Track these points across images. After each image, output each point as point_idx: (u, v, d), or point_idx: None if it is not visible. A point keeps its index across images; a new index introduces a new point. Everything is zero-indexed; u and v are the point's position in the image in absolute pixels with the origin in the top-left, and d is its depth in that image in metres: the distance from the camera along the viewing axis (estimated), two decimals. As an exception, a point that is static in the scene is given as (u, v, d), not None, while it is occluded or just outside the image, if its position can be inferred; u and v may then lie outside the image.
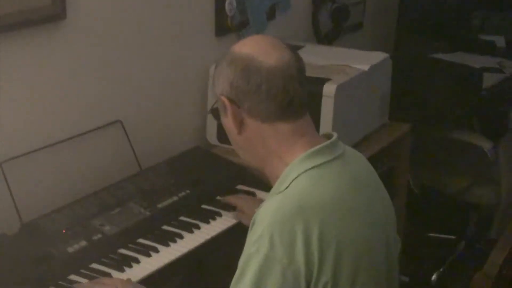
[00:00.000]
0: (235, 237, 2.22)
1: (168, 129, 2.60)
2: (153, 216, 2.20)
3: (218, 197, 2.37)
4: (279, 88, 1.62)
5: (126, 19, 2.37)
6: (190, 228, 2.19)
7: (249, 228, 1.65)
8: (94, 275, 1.94)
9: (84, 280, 1.91)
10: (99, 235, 2.06)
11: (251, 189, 2.45)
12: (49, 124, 2.19)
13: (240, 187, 2.46)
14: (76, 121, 2.26)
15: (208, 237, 2.17)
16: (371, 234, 1.64)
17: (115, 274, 1.95)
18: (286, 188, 1.59)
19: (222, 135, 2.60)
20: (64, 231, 2.03)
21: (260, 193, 2.43)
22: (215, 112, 1.76)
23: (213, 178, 2.46)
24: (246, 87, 1.62)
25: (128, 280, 1.88)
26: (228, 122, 1.69)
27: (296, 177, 1.59)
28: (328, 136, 1.70)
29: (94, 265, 1.99)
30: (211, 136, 2.68)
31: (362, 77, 2.66)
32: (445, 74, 3.17)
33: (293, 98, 1.64)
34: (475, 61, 3.45)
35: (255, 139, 1.67)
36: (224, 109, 1.68)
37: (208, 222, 2.24)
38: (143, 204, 2.22)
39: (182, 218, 2.25)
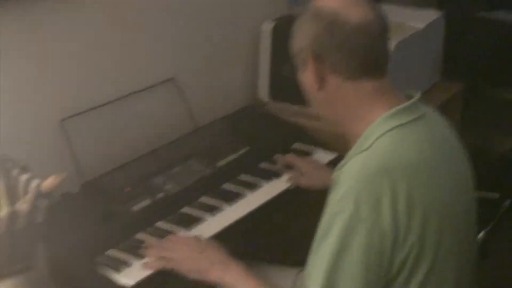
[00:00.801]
0: (294, 197, 2.21)
1: (220, 87, 2.56)
2: (213, 175, 2.17)
3: (276, 156, 2.33)
4: (363, 46, 1.58)
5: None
6: (252, 187, 2.16)
7: (331, 188, 1.62)
8: (161, 233, 1.92)
9: (151, 238, 1.89)
10: (163, 194, 2.03)
11: (308, 147, 2.41)
12: (107, 83, 2.16)
13: (296, 145, 2.43)
14: (132, 80, 2.22)
15: (270, 196, 2.14)
16: (455, 196, 1.61)
17: (182, 232, 1.93)
18: (369, 147, 1.56)
19: (274, 92, 2.59)
20: (127, 189, 2.00)
21: (317, 152, 2.40)
22: (290, 68, 1.73)
23: (270, 136, 2.43)
24: (330, 42, 1.58)
25: (200, 236, 1.88)
26: (307, 78, 1.65)
27: (379, 136, 1.56)
28: (409, 96, 1.66)
29: (160, 224, 1.97)
30: (263, 93, 2.63)
31: (418, 35, 2.62)
32: (495, 33, 3.11)
33: (377, 56, 1.61)
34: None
35: (335, 96, 1.63)
36: (304, 65, 1.64)
37: (268, 182, 2.21)
38: (203, 162, 2.19)
39: (242, 176, 2.22)
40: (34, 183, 1.56)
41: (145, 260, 1.79)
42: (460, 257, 1.63)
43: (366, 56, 1.59)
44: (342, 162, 1.61)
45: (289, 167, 2.26)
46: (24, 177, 1.59)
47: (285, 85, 2.59)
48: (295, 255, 2.38)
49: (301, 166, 2.24)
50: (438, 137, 1.64)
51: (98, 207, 1.92)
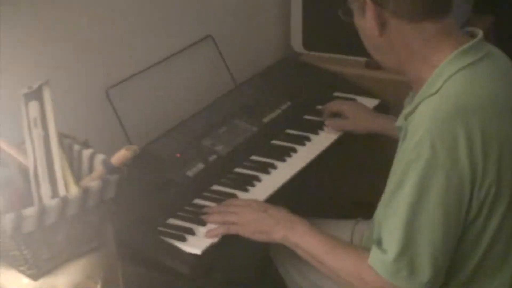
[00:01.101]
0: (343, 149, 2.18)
1: (253, 41, 2.52)
2: (260, 131, 2.15)
3: (318, 107, 2.30)
4: None
5: None
6: (301, 141, 2.13)
7: (401, 137, 1.61)
8: (218, 196, 1.89)
9: (209, 203, 1.87)
10: (214, 156, 2.01)
11: (349, 95, 2.38)
12: (147, 48, 2.11)
13: (337, 94, 2.39)
14: (170, 41, 2.17)
15: (322, 148, 2.12)
16: None
17: (240, 194, 1.91)
18: (439, 89, 1.53)
19: (308, 42, 2.54)
20: (178, 155, 1.97)
21: (359, 99, 2.37)
22: (347, 13, 1.67)
23: (309, 87, 2.41)
24: None
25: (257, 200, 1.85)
26: (367, 23, 1.60)
27: (448, 78, 1.53)
28: (471, 33, 1.63)
29: (216, 187, 1.94)
30: (297, 44, 2.59)
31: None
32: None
33: None
34: None
35: (398, 41, 1.59)
36: (362, 10, 1.59)
37: (317, 133, 2.18)
38: (248, 120, 2.17)
39: (288, 131, 2.20)
40: (99, 158, 1.52)
41: (208, 227, 1.76)
42: None
43: None
44: (409, 108, 1.59)
45: (334, 114, 2.24)
46: (87, 152, 1.55)
47: (319, 35, 2.56)
48: (348, 207, 2.37)
49: (346, 110, 2.23)
50: (506, 73, 1.61)
51: (153, 176, 1.89)
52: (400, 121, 1.64)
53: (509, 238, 1.58)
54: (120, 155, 1.44)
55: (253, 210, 1.78)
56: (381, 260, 1.53)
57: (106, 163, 1.46)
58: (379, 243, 1.55)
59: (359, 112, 2.22)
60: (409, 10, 1.55)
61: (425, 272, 1.50)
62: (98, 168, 1.49)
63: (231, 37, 2.38)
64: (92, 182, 1.44)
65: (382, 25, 1.57)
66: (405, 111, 1.60)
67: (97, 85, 1.95)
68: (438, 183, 1.47)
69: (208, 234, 1.74)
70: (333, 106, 2.26)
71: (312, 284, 1.99)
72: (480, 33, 1.60)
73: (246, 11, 2.47)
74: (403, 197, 1.50)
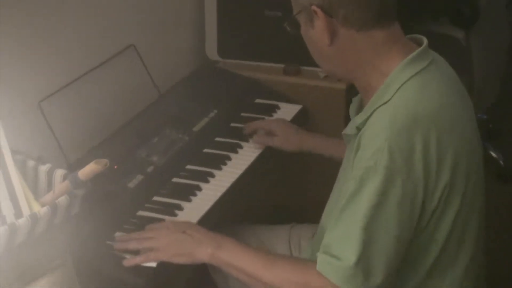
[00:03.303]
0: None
1: (172, 49, 2.51)
2: (191, 140, 2.15)
3: (243, 114, 2.33)
4: None
5: None
6: (233, 148, 2.16)
7: (352, 144, 1.61)
8: (161, 207, 1.89)
9: (153, 215, 1.86)
10: (152, 167, 2.00)
11: (271, 102, 2.41)
12: (75, 60, 2.07)
13: (259, 100, 2.43)
14: (96, 51, 2.15)
15: (256, 154, 2.13)
16: (475, 135, 1.65)
17: (184, 204, 1.90)
18: (391, 98, 1.54)
19: (223, 48, 2.56)
20: (116, 167, 1.93)
21: (282, 105, 2.41)
22: (294, 26, 1.67)
23: (232, 94, 2.42)
24: None
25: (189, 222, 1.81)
26: (316, 34, 1.60)
27: (400, 86, 1.54)
28: (414, 40, 1.66)
29: (157, 198, 1.93)
30: (212, 52, 2.59)
31: None
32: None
33: (386, 4, 1.59)
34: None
35: (348, 49, 1.60)
36: (311, 20, 1.60)
37: (247, 141, 2.21)
38: (179, 129, 2.16)
39: (218, 139, 2.21)
40: (59, 173, 1.49)
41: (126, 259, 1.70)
42: (482, 198, 1.67)
43: (377, 5, 1.56)
44: (362, 117, 1.59)
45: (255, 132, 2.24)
46: (44, 168, 1.52)
47: (234, 42, 2.57)
48: (286, 212, 2.41)
49: (273, 128, 2.21)
50: (451, 78, 1.65)
51: (95, 189, 1.85)
52: (350, 130, 1.64)
53: (460, 238, 1.61)
54: (89, 169, 1.41)
55: (170, 232, 1.72)
56: (334, 266, 1.51)
57: (73, 178, 1.43)
58: (326, 250, 1.54)
59: (286, 130, 2.21)
60: (359, 19, 1.56)
61: (379, 276, 1.51)
62: (61, 183, 1.46)
63: (151, 46, 2.36)
64: (59, 199, 1.40)
65: (332, 34, 1.58)
66: (357, 120, 1.60)
67: (29, 98, 1.90)
68: (395, 189, 1.48)
69: (126, 263, 1.68)
70: (261, 124, 2.26)
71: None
72: (425, 41, 1.64)
73: (165, 20, 2.46)
74: (361, 203, 1.49)
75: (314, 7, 1.56)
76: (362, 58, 1.60)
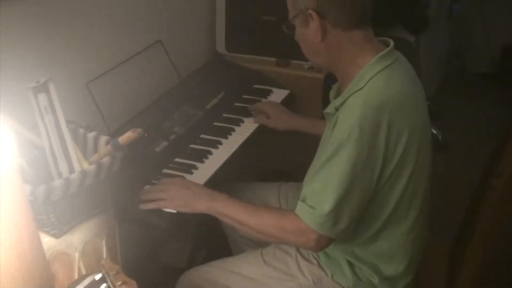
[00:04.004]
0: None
1: (189, 44, 2.45)
2: (205, 115, 2.12)
3: (244, 96, 2.30)
4: (358, 2, 1.55)
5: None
6: (237, 122, 2.13)
7: (331, 121, 1.60)
8: (181, 167, 1.86)
9: (175, 172, 1.83)
10: (174, 135, 1.97)
11: (266, 87, 2.38)
12: (115, 50, 2.03)
13: (257, 86, 2.40)
14: (131, 44, 2.10)
15: (254, 127, 2.11)
16: (427, 119, 1.63)
17: (198, 165, 1.88)
18: (364, 86, 1.53)
19: (229, 44, 2.53)
20: (146, 135, 1.89)
21: (275, 90, 2.38)
22: (289, 24, 1.64)
23: (236, 80, 2.39)
24: (332, 1, 1.53)
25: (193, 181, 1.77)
26: (310, 32, 1.58)
27: (372, 77, 1.53)
28: (383, 42, 1.65)
29: (178, 159, 1.90)
30: (221, 47, 2.55)
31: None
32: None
33: (365, 9, 1.57)
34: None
35: (334, 46, 1.58)
36: (306, 21, 1.57)
37: (247, 117, 2.17)
38: (195, 106, 2.13)
39: (225, 115, 2.18)
40: (104, 139, 1.46)
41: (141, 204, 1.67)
42: (429, 167, 1.66)
43: (359, 9, 1.55)
44: (340, 100, 1.58)
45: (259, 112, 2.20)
46: (91, 134, 1.48)
47: (238, 40, 2.54)
48: (277, 173, 2.39)
49: (269, 111, 2.16)
50: (411, 74, 1.64)
51: (129, 152, 1.82)
52: (330, 109, 1.62)
53: (410, 198, 1.61)
54: (127, 136, 1.38)
55: (177, 187, 1.69)
56: (309, 212, 1.51)
57: (114, 142, 1.40)
58: (303, 200, 1.54)
59: (279, 113, 2.16)
60: (345, 21, 1.55)
61: (344, 222, 1.52)
62: (105, 147, 1.43)
63: (174, 42, 2.31)
64: (103, 159, 1.38)
65: (324, 33, 1.56)
66: (336, 102, 1.59)
67: (78, 79, 1.86)
68: (362, 156, 1.48)
69: (142, 207, 1.66)
70: (261, 106, 2.21)
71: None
72: (391, 43, 1.62)
73: (185, 22, 2.42)
74: (336, 166, 1.49)
75: (310, 11, 1.54)
76: (344, 53, 1.59)
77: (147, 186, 1.75)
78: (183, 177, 1.79)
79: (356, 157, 1.48)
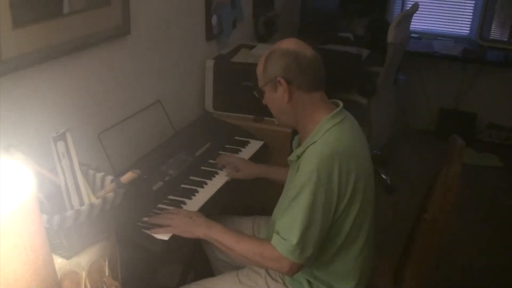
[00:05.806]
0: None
1: (183, 104, 2.50)
2: (194, 161, 2.14)
3: (226, 145, 2.34)
4: (316, 69, 1.60)
5: (161, 35, 2.25)
6: (220, 168, 2.15)
7: (293, 167, 1.63)
8: (172, 202, 1.89)
9: (168, 207, 1.85)
10: (168, 177, 1.99)
11: (245, 139, 2.42)
12: (120, 108, 2.05)
13: (237, 137, 2.43)
14: (135, 103, 2.13)
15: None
16: (370, 164, 1.67)
17: (187, 201, 1.90)
18: (319, 138, 1.56)
19: (216, 104, 2.58)
20: (145, 176, 1.94)
21: (252, 141, 2.41)
22: (259, 90, 1.69)
23: (220, 133, 2.41)
24: (298, 69, 1.58)
25: (195, 212, 1.80)
26: (278, 95, 1.62)
27: (325, 131, 1.57)
28: (334, 103, 1.69)
29: (171, 196, 1.93)
30: (209, 106, 2.60)
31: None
32: (336, 58, 3.21)
33: (322, 75, 1.63)
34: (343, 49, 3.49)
35: (298, 105, 1.62)
36: (275, 87, 1.62)
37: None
38: (187, 153, 2.16)
39: (210, 161, 2.20)
40: (109, 178, 1.49)
41: (152, 229, 1.69)
42: (372, 204, 1.70)
43: (317, 75, 1.61)
44: (300, 150, 1.61)
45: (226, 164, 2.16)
46: (99, 175, 1.52)
47: (222, 101, 2.58)
48: (251, 209, 2.41)
49: (238, 164, 2.09)
50: (357, 130, 1.68)
51: (131, 189, 1.85)
52: (292, 157, 1.65)
53: (358, 227, 1.64)
54: (127, 176, 1.42)
55: (182, 216, 1.71)
56: (281, 243, 1.53)
57: (117, 181, 1.43)
58: (277, 232, 1.55)
59: (245, 165, 2.09)
60: (307, 85, 1.60)
61: (310, 250, 1.54)
62: (110, 185, 1.46)
63: (171, 101, 2.36)
64: (108, 194, 1.41)
65: (290, 95, 1.60)
66: (298, 151, 1.62)
67: (91, 130, 1.90)
68: (321, 195, 1.51)
69: (153, 231, 1.69)
70: (227, 159, 2.12)
71: (225, 257, 1.99)
72: (341, 104, 1.67)
73: (180, 86, 2.46)
74: (300, 204, 1.51)
75: (279, 78, 1.59)
76: (305, 111, 1.62)
77: (145, 218, 1.77)
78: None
79: (315, 195, 1.51)
